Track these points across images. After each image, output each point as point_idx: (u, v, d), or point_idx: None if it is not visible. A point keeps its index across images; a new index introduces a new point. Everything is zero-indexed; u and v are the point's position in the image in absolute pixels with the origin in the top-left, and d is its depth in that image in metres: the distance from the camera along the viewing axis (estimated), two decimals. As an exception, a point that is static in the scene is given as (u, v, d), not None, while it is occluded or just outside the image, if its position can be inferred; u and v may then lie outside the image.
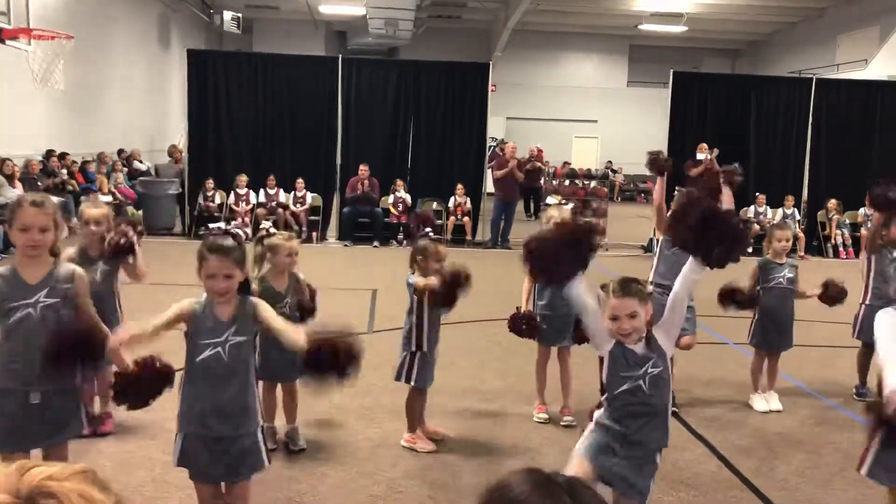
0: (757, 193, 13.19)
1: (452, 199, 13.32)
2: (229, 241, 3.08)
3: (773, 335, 5.59)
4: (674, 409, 4.70)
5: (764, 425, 5.28)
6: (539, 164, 18.31)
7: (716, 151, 11.21)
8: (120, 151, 16.25)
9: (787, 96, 13.94)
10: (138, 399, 2.98)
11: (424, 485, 4.26)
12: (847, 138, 13.48)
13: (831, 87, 14.23)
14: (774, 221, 5.93)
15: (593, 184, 16.07)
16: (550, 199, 5.55)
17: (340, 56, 14.12)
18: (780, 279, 5.54)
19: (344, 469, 4.36)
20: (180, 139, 16.45)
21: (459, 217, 13.26)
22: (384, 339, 7.06)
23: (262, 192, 13.18)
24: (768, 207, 13.24)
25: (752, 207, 13.15)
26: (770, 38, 25.10)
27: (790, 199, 13.33)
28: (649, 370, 2.98)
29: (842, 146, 13.46)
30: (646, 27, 23.38)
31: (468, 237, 13.33)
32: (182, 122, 13.67)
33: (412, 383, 4.65)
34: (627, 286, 2.98)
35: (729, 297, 5.46)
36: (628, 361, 2.99)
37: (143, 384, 2.93)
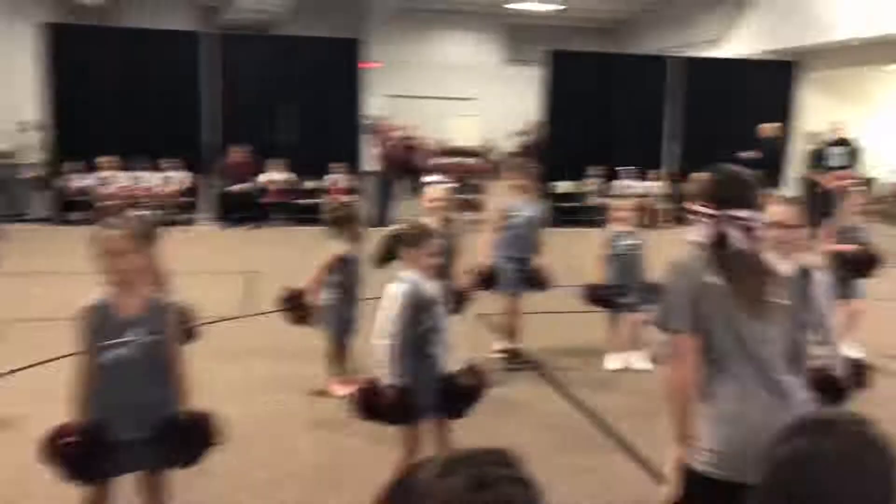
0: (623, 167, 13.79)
1: (330, 177, 13.13)
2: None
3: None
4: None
5: (640, 385, 5.49)
6: (416, 141, 18.34)
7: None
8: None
9: (652, 73, 14.53)
10: None
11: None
12: (706, 113, 14.18)
13: (689, 64, 14.94)
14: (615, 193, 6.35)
15: (473, 161, 16.25)
16: (429, 178, 5.57)
17: (210, 32, 13.60)
18: (624, 246, 5.85)
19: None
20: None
21: (340, 196, 13.10)
22: (264, 322, 6.91)
23: (126, 174, 12.56)
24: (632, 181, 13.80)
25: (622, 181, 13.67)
26: (638, 17, 25.99)
27: (655, 174, 13.95)
28: None
29: (702, 120, 14.14)
30: (521, 6, 23.70)
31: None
32: (37, 101, 12.79)
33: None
34: None
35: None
36: None
37: None
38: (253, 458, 4.24)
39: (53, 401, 5.00)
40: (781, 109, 14.71)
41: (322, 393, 5.23)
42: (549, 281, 5.97)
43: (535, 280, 5.92)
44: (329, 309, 5.19)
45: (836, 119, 12.40)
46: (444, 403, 3.54)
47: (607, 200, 6.15)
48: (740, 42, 18.43)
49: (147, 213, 3.54)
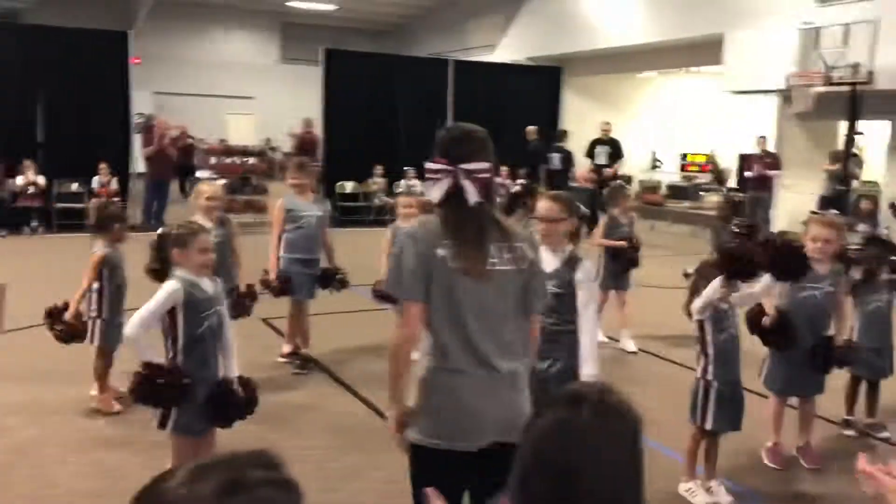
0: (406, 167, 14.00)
1: (96, 179, 12.15)
2: None
3: None
4: None
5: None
6: (191, 140, 17.54)
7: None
8: None
9: (429, 75, 14.94)
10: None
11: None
12: (479, 114, 14.79)
13: (466, 68, 15.53)
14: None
15: (251, 160, 15.77)
16: (201, 174, 5.26)
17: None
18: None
19: None
20: None
21: (107, 199, 12.16)
22: (20, 339, 6.24)
23: None
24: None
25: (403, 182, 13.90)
26: (413, 21, 26.60)
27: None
28: None
29: (477, 122, 14.70)
30: (296, 4, 23.39)
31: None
32: None
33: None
34: None
35: None
36: None
37: None
38: (14, 493, 3.80)
39: None
40: (548, 112, 15.71)
41: (97, 412, 4.81)
42: (347, 281, 5.93)
43: (330, 280, 5.85)
44: (95, 319, 4.79)
45: (602, 120, 13.42)
46: (215, 410, 3.40)
47: (393, 198, 6.18)
48: (511, 48, 19.46)
49: None
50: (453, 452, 2.39)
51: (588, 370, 3.27)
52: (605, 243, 6.67)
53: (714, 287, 3.68)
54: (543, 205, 3.52)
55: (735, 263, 3.68)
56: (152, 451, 3.92)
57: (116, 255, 4.83)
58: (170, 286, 3.31)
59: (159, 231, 3.54)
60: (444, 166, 2.40)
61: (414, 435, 2.45)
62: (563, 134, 13.83)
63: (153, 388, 3.25)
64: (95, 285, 4.76)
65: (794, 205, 14.15)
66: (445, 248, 2.36)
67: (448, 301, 2.38)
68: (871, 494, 1.61)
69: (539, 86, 15.92)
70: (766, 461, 4.41)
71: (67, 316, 4.72)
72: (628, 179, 15.52)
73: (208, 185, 5.25)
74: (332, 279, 5.87)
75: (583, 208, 3.97)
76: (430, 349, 2.44)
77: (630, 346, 6.64)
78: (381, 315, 6.37)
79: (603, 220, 6.82)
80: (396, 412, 2.47)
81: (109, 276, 4.79)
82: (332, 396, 5.37)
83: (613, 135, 13.87)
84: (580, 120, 15.75)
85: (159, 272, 3.44)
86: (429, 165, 2.43)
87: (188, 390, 3.29)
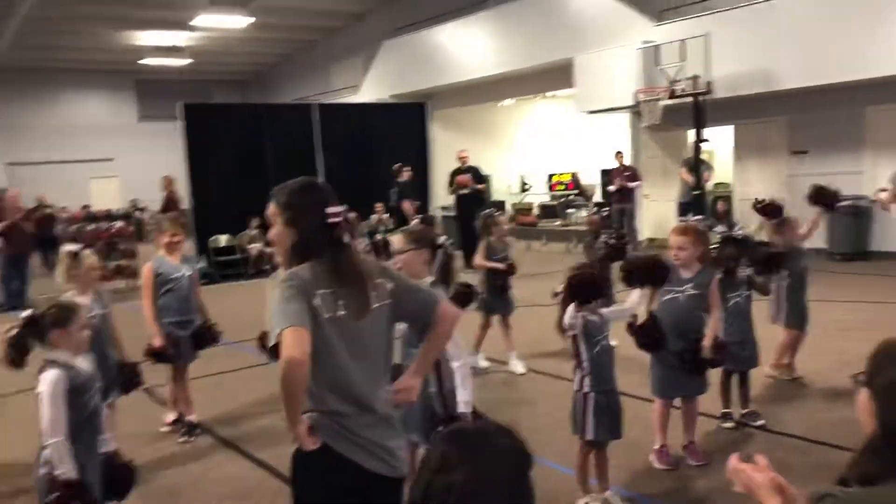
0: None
1: (-54, 263, 11.35)
2: None
3: None
4: None
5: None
6: (50, 210, 16.73)
7: None
8: None
9: (295, 120, 14.88)
10: None
11: None
12: (349, 155, 14.82)
13: (331, 111, 15.57)
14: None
15: (118, 224, 15.16)
16: (68, 245, 5.02)
17: None
18: None
19: None
20: None
21: (-41, 283, 11.38)
22: None
23: None
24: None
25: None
26: (273, 68, 26.45)
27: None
28: None
29: (347, 161, 14.72)
30: (149, 61, 22.84)
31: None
32: None
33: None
34: None
35: None
36: None
37: None
38: None
39: None
40: (417, 146, 15.92)
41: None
42: (218, 335, 5.76)
43: (203, 338, 5.65)
44: None
45: (461, 148, 13.69)
46: (110, 486, 3.31)
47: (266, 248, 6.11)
48: (374, 87, 19.69)
49: None
50: (360, 469, 2.42)
51: (463, 398, 3.43)
52: (486, 265, 6.84)
53: (570, 313, 3.91)
54: (395, 238, 3.74)
55: (580, 290, 3.94)
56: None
57: None
58: (51, 378, 3.11)
59: (28, 314, 3.29)
60: (320, 212, 2.46)
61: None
62: (398, 170, 13.94)
63: None
64: None
65: (656, 212, 14.93)
66: (318, 298, 2.38)
67: (327, 350, 2.38)
68: (743, 491, 1.70)
69: (405, 122, 16.13)
70: (655, 464, 4.59)
71: None
72: (500, 205, 15.92)
73: (85, 255, 4.97)
74: (204, 336, 5.70)
75: (441, 238, 4.10)
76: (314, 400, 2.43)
77: (519, 367, 6.79)
78: (267, 369, 6.24)
79: (481, 246, 6.97)
80: (300, 426, 2.40)
81: None
82: (226, 462, 5.20)
83: (480, 162, 14.19)
84: (449, 151, 16.09)
85: (18, 361, 3.22)
86: (305, 213, 2.47)
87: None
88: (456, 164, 13.31)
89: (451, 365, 3.44)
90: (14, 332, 3.19)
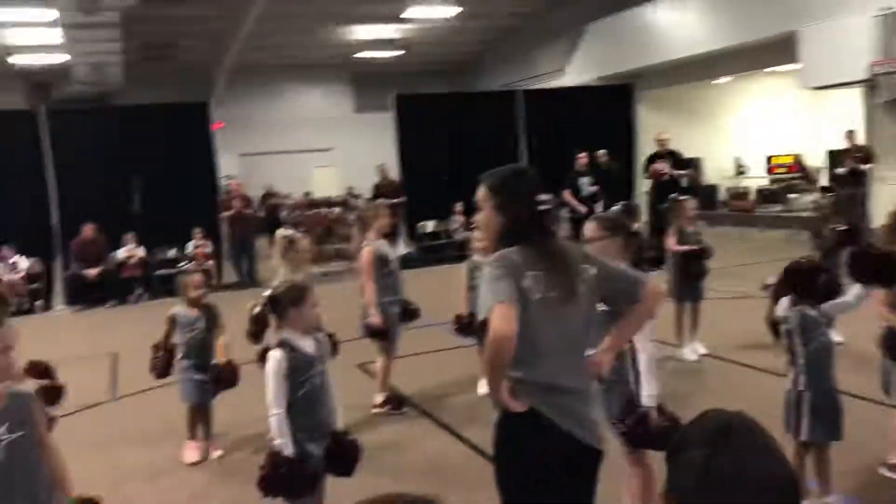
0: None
1: (191, 244, 12.70)
2: None
3: None
4: None
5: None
6: (276, 198, 18.14)
7: None
8: None
9: (500, 106, 15.03)
10: None
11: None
12: (552, 141, 14.73)
13: (535, 96, 15.57)
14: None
15: (337, 211, 16.17)
16: (284, 232, 5.54)
17: (42, 108, 12.95)
18: None
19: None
20: None
21: (202, 262, 12.67)
22: (133, 404, 6.56)
23: (-33, 266, 11.69)
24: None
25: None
26: (478, 56, 26.89)
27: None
28: None
29: (550, 147, 14.66)
30: (364, 55, 24.04)
31: (213, 281, 12.76)
32: None
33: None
34: None
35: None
36: None
37: None
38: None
39: None
40: (623, 130, 15.52)
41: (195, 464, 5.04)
42: (419, 312, 6.06)
43: (408, 314, 5.98)
44: (181, 375, 5.14)
45: (669, 129, 13.13)
46: (332, 463, 3.43)
47: (469, 233, 6.29)
48: (580, 70, 19.42)
49: None
50: (568, 436, 2.47)
51: (647, 391, 3.35)
52: (679, 248, 6.64)
53: (784, 306, 3.66)
54: (588, 226, 3.64)
55: (800, 282, 3.66)
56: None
57: (187, 316, 5.13)
58: (276, 357, 3.33)
59: (269, 293, 3.54)
60: (523, 201, 2.54)
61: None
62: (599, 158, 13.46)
63: (282, 481, 3.27)
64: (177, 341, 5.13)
65: (890, 197, 13.48)
66: (528, 279, 2.44)
67: (531, 331, 2.44)
68: None
69: (610, 104, 15.78)
70: (886, 473, 4.17)
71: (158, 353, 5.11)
72: (690, 190, 14.80)
73: (301, 238, 5.54)
74: (410, 312, 6.01)
75: (636, 225, 4.00)
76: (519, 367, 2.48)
77: (690, 355, 6.56)
78: (463, 352, 6.40)
79: (672, 230, 6.78)
80: (503, 396, 2.47)
81: (181, 336, 5.10)
82: (426, 437, 5.40)
83: (690, 144, 13.51)
84: (655, 134, 15.55)
85: (258, 335, 3.51)
86: (507, 202, 2.57)
87: (315, 481, 3.33)
88: (655, 148, 12.77)
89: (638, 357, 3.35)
90: (257, 309, 3.47)
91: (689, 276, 6.64)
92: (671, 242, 6.72)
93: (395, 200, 12.98)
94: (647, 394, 3.36)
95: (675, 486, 1.29)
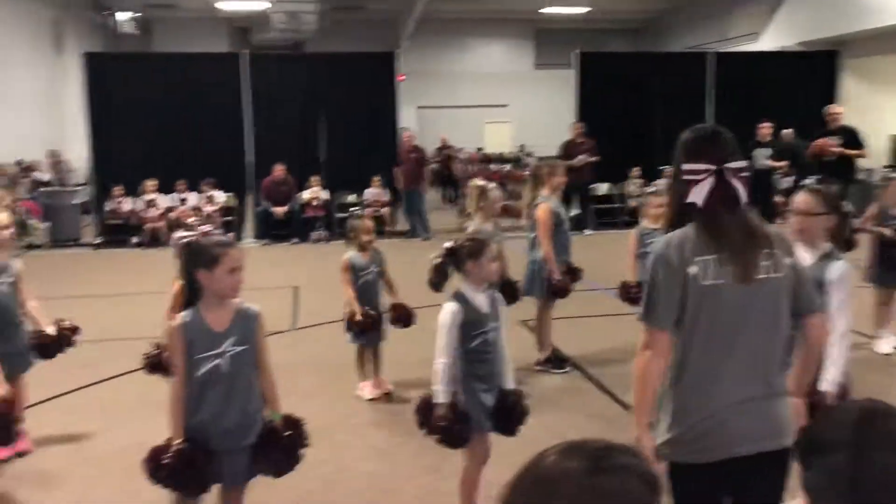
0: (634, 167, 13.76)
1: (368, 191, 13.25)
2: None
3: None
4: None
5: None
6: (450, 151, 18.44)
7: None
8: (19, 162, 15.53)
9: (685, 71, 14.41)
10: None
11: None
12: (740, 108, 13.96)
13: (727, 59, 14.76)
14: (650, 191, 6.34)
15: (508, 167, 16.26)
16: (478, 181, 5.70)
17: (244, 52, 13.84)
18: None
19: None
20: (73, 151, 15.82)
21: (377, 209, 13.20)
22: (310, 335, 7.03)
23: (172, 196, 12.83)
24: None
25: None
26: (667, 16, 25.80)
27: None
28: None
29: (739, 113, 13.93)
30: (548, 10, 23.69)
31: (387, 228, 13.28)
32: (84, 128, 13.15)
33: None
34: None
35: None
36: None
37: None
38: (312, 475, 4.28)
39: (112, 417, 5.16)
40: (820, 101, 14.44)
41: (373, 400, 5.35)
42: (581, 274, 6.07)
43: (572, 275, 6.00)
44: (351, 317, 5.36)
45: (874, 102, 12.03)
46: (498, 421, 3.51)
47: (642, 199, 6.14)
48: (778, 34, 18.18)
49: (193, 233, 3.49)
50: (710, 465, 2.33)
51: (831, 376, 3.15)
52: (871, 229, 6.17)
53: None
54: (801, 198, 3.37)
55: None
56: (425, 440, 4.22)
57: (361, 262, 5.35)
58: (450, 309, 3.41)
59: (449, 245, 3.61)
60: (708, 166, 2.29)
61: (668, 455, 2.39)
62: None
63: (432, 423, 3.39)
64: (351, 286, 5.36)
65: None
66: (697, 265, 2.28)
67: (701, 321, 2.30)
68: None
69: (809, 72, 14.70)
70: None
71: (358, 316, 5.31)
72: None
73: (493, 188, 5.70)
74: (573, 273, 6.01)
75: (847, 205, 3.69)
76: (677, 368, 2.38)
77: (884, 347, 6.11)
78: (629, 319, 6.30)
79: (872, 209, 6.27)
80: (646, 441, 2.40)
81: (355, 279, 5.32)
82: (588, 397, 5.42)
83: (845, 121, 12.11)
84: (860, 106, 14.32)
85: (438, 285, 3.64)
86: (689, 167, 2.32)
87: (463, 431, 3.40)
88: (872, 122, 11.68)
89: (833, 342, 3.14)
90: (438, 260, 3.59)
91: (891, 260, 6.15)
92: (866, 222, 6.25)
93: (583, 160, 12.83)
94: (830, 378, 3.17)
95: (818, 493, 1.23)
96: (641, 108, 13.97)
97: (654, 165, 13.21)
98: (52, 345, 4.63)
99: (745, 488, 2.37)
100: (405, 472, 4.29)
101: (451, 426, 3.35)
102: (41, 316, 4.63)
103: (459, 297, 3.46)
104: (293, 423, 3.09)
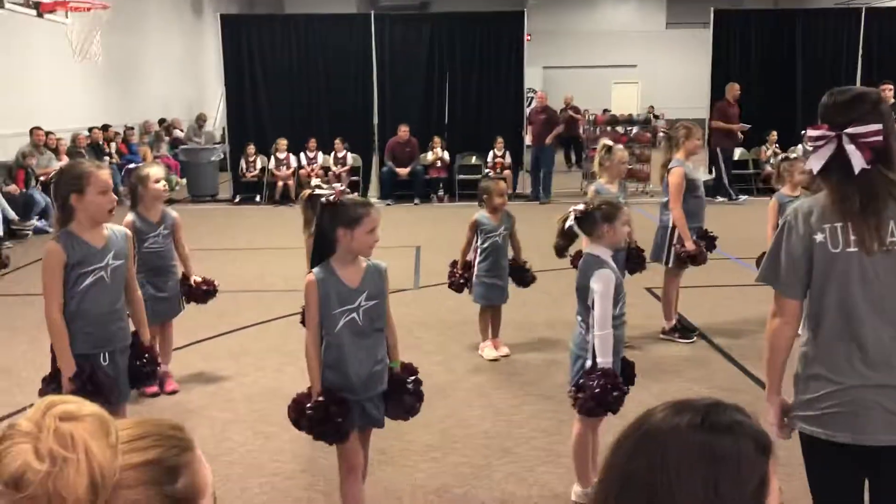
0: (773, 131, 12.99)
1: (491, 153, 13.21)
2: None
3: None
4: None
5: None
6: (573, 113, 18.06)
7: None
8: (161, 121, 16.45)
9: (835, 28, 13.46)
10: None
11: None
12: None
13: (882, 16, 13.68)
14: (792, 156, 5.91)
15: (635, 129, 15.77)
16: (605, 140, 5.50)
17: (373, 13, 14.00)
18: None
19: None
20: (218, 108, 16.56)
21: (499, 171, 13.15)
22: (430, 294, 7.12)
23: (302, 155, 13.25)
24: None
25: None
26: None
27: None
28: None
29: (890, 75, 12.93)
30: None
31: (510, 190, 13.18)
32: (220, 88, 13.73)
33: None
34: None
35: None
36: None
37: None
38: (434, 430, 4.37)
39: (246, 363, 5.44)
40: None
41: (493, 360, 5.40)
42: (715, 242, 5.85)
43: (707, 243, 5.77)
44: (477, 277, 5.41)
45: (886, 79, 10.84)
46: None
47: (782, 165, 5.79)
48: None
49: (330, 191, 3.60)
50: (847, 447, 2.23)
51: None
52: None
53: None
54: None
55: None
56: (543, 403, 4.23)
57: (489, 223, 5.35)
58: (606, 277, 3.33)
59: (580, 207, 3.51)
60: (825, 132, 2.21)
61: (803, 426, 2.32)
62: None
63: (612, 396, 3.31)
64: (477, 246, 5.41)
65: None
66: (825, 232, 2.19)
67: (831, 290, 2.21)
68: None
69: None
70: None
71: (458, 269, 5.46)
72: None
73: (620, 148, 5.57)
74: (709, 240, 5.81)
75: None
76: (809, 342, 2.31)
77: None
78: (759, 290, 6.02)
79: None
80: (775, 408, 2.38)
81: (481, 240, 5.35)
82: (715, 367, 5.26)
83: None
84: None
85: (564, 249, 3.59)
86: (810, 133, 2.26)
87: (618, 398, 3.34)
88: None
89: None
90: (570, 223, 3.52)
91: None
92: None
93: (744, 127, 12.34)
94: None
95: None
96: (782, 68, 13.18)
97: (794, 130, 12.49)
98: (200, 292, 4.98)
99: (881, 477, 2.28)
100: (522, 433, 4.31)
101: (616, 391, 3.29)
102: (191, 265, 5.00)
103: (602, 262, 3.36)
104: (412, 370, 3.23)
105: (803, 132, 12.50)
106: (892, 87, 11.04)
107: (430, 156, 13.23)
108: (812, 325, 2.29)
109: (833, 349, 2.24)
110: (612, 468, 1.07)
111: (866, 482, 2.33)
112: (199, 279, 4.98)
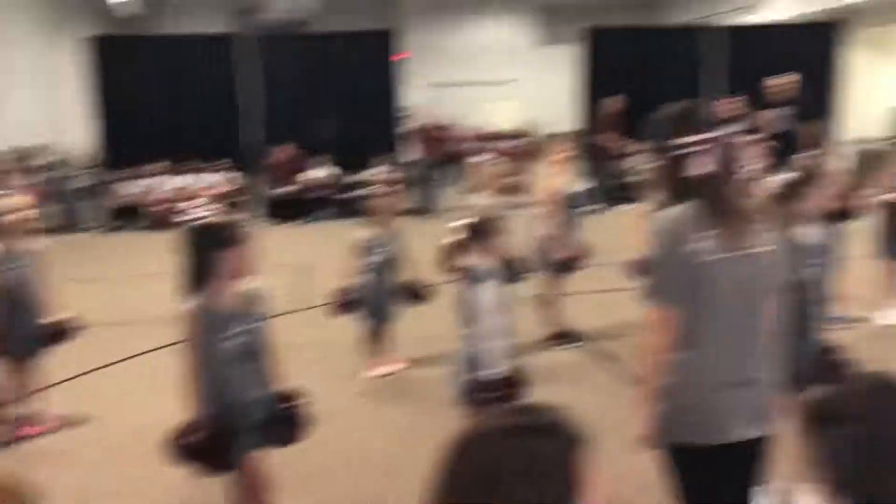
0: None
1: (375, 170, 13.14)
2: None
3: None
4: None
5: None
6: (458, 127, 18.29)
7: None
8: (17, 148, 15.44)
9: (681, 43, 14.25)
10: None
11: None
12: (754, 83, 13.71)
13: (713, 34, 14.56)
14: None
15: (514, 144, 16.16)
16: (480, 158, 5.55)
17: (242, 34, 13.74)
18: None
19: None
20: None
21: (385, 187, 13.06)
22: (317, 315, 6.97)
23: (178, 178, 12.78)
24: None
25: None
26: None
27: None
28: None
29: (749, 91, 13.69)
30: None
31: (397, 206, 13.14)
32: (85, 111, 13.09)
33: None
34: None
35: None
36: None
37: None
38: (328, 451, 4.26)
39: (123, 400, 5.15)
40: (828, 72, 14.25)
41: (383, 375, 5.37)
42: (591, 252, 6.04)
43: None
44: (362, 295, 5.36)
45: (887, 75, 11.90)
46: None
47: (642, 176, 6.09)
48: (775, 7, 17.98)
49: (203, 214, 3.44)
50: (708, 448, 2.33)
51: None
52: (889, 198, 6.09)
53: None
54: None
55: None
56: (439, 417, 4.22)
57: (379, 240, 5.33)
58: (492, 288, 3.56)
59: (471, 221, 3.60)
60: (705, 136, 2.29)
61: (668, 437, 2.40)
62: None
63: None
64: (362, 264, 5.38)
65: None
66: (698, 240, 2.25)
67: (702, 297, 2.29)
68: None
69: (815, 45, 14.44)
70: None
71: (346, 288, 5.40)
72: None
73: (495, 164, 5.62)
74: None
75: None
76: (682, 344, 2.36)
77: (883, 318, 6.05)
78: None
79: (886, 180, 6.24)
80: (646, 417, 2.41)
81: (369, 258, 5.32)
82: (592, 365, 5.40)
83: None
84: (867, 77, 14.15)
85: (454, 263, 3.62)
86: (689, 140, 2.31)
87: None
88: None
89: None
90: (459, 236, 3.55)
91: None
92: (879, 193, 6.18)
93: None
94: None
95: (829, 464, 1.21)
96: (642, 83, 13.81)
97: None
98: (60, 333, 4.63)
99: (738, 473, 2.39)
100: (419, 451, 4.27)
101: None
102: (54, 302, 4.64)
103: (487, 274, 3.46)
104: (293, 397, 3.16)
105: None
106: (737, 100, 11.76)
107: (312, 174, 13.06)
108: (685, 332, 2.33)
109: (703, 355, 2.32)
110: (440, 472, 1.14)
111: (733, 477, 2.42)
112: (62, 318, 4.63)
